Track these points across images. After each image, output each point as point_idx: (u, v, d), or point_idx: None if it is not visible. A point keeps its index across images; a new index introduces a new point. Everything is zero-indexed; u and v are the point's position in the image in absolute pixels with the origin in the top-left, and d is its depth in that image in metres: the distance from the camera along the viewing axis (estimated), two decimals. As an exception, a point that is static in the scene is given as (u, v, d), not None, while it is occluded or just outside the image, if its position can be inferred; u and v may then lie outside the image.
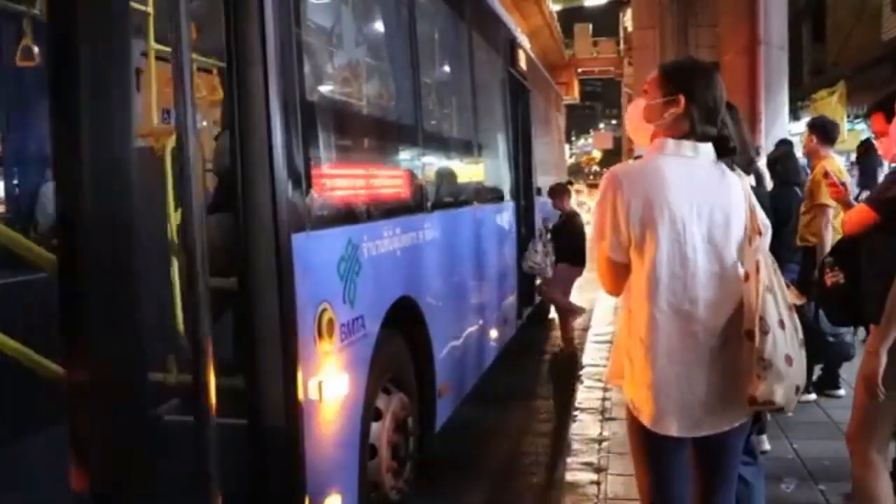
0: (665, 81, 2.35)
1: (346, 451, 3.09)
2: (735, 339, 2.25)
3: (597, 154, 65.86)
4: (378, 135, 4.07)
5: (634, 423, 2.37)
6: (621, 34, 38.14)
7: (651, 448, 2.38)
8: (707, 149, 2.32)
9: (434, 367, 4.28)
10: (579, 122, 66.19)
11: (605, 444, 4.80)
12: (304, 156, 2.84)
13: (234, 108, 2.73)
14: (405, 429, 3.83)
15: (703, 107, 2.30)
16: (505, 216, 6.97)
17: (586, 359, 7.25)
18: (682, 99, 2.30)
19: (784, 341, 2.21)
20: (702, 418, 2.29)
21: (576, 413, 5.50)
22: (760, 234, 2.30)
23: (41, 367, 2.76)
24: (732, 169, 2.36)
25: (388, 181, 3.98)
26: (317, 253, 2.89)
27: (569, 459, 4.60)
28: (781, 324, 2.21)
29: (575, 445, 4.83)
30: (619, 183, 2.26)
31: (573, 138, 65.83)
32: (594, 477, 4.29)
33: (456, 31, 5.80)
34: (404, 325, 3.88)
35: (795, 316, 2.29)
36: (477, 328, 5.49)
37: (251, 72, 2.66)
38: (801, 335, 2.29)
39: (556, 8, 36.43)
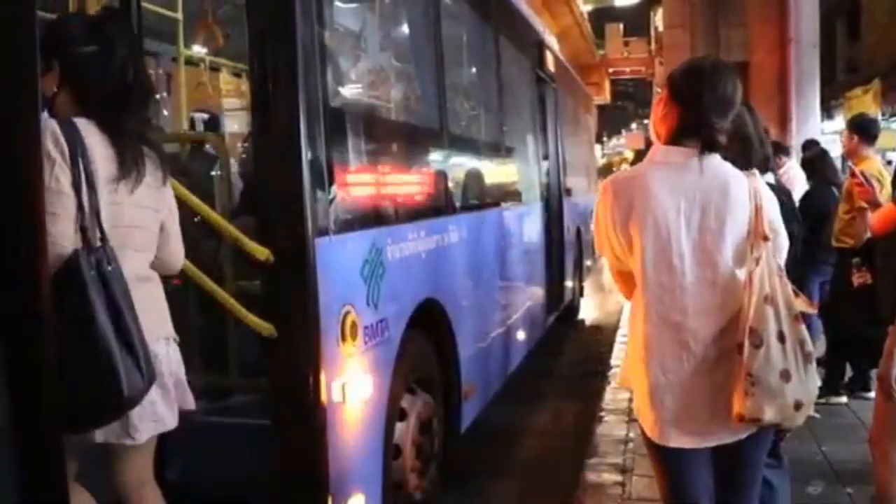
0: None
1: (369, 451, 3.12)
2: (735, 349, 2.14)
3: (629, 154, 65.45)
4: (403, 138, 4.09)
5: (642, 432, 2.35)
6: (652, 34, 37.84)
7: (660, 455, 2.32)
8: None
9: (460, 369, 4.29)
10: (611, 122, 65.69)
11: (630, 444, 4.78)
12: (328, 160, 2.86)
13: (258, 112, 2.78)
14: (430, 430, 3.85)
15: (687, 107, 2.20)
16: (533, 217, 6.96)
17: (614, 359, 7.22)
18: (662, 100, 2.26)
19: (781, 356, 2.09)
20: (704, 429, 2.21)
21: (602, 414, 5.49)
22: (766, 239, 2.16)
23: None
24: (748, 168, 2.29)
25: (413, 184, 4.01)
26: (340, 256, 2.92)
27: (594, 460, 4.60)
28: (781, 336, 2.10)
29: (601, 447, 4.82)
30: (609, 193, 2.24)
31: (605, 139, 65.44)
32: (619, 478, 4.28)
33: (483, 33, 5.82)
34: (430, 327, 3.90)
35: (802, 327, 2.16)
36: (504, 330, 5.49)
37: (275, 76, 2.70)
38: (808, 347, 2.15)
39: (586, 8, 36.22)
